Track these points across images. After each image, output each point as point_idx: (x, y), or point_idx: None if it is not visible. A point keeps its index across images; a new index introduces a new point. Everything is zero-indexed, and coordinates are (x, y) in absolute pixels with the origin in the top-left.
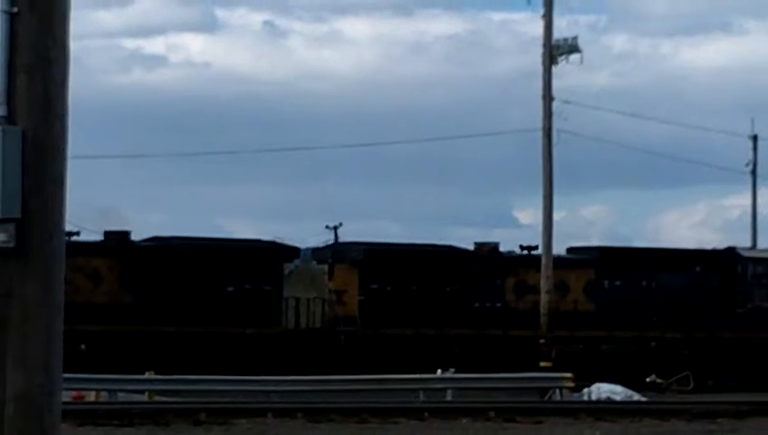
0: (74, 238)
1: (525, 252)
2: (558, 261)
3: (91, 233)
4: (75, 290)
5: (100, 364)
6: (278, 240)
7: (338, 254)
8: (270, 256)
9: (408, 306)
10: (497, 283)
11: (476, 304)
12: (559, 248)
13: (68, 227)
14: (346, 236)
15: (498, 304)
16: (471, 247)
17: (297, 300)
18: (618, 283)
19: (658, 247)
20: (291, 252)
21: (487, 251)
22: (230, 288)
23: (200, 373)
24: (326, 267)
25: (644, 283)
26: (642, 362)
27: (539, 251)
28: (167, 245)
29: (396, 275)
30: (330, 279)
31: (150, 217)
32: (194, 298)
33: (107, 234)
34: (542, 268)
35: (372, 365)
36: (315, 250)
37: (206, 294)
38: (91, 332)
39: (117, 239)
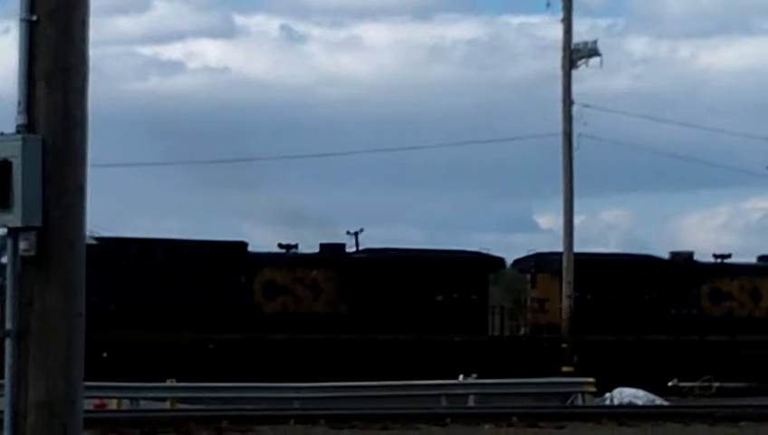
0: (293, 251)
1: (719, 260)
2: (750, 269)
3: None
4: (297, 300)
5: (319, 372)
6: (484, 251)
7: (540, 263)
8: (477, 266)
9: (607, 314)
10: (693, 290)
11: (673, 311)
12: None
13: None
14: (367, 241)
15: (694, 311)
16: (667, 256)
17: (502, 308)
18: None
19: None
20: (496, 262)
21: (683, 259)
22: (439, 297)
23: (410, 379)
24: (528, 276)
25: None
26: None
27: (732, 259)
28: (380, 256)
29: (596, 284)
30: (532, 288)
31: (166, 224)
32: (405, 307)
33: (323, 246)
34: (564, 273)
35: (574, 371)
36: (517, 260)
37: (416, 304)
38: (312, 340)
39: (333, 251)
